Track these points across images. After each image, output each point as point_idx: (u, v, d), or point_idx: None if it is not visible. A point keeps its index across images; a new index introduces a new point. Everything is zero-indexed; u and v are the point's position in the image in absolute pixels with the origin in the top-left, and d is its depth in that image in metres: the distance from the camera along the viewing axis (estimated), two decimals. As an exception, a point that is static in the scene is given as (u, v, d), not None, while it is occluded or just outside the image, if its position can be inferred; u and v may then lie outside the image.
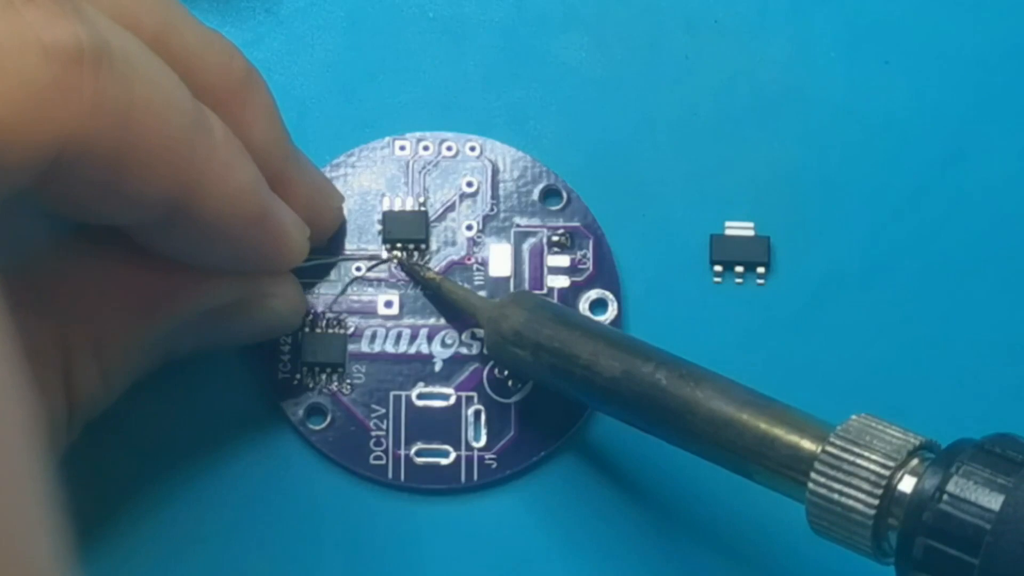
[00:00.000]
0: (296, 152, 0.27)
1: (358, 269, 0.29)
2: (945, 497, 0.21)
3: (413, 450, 0.28)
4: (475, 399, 0.29)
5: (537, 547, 0.28)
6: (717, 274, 0.30)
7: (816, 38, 0.31)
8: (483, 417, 0.28)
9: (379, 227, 0.29)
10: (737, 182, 0.30)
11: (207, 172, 0.23)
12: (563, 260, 0.29)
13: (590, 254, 0.29)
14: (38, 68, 0.20)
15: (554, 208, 0.30)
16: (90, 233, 0.25)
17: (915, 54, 0.31)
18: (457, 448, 0.28)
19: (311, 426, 0.28)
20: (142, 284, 0.25)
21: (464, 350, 0.29)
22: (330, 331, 0.29)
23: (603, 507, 0.28)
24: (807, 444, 0.23)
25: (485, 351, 0.28)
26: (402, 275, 0.29)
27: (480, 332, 0.29)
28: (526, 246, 0.29)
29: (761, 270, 0.30)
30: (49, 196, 0.22)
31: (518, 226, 0.29)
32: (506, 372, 0.29)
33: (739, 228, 0.30)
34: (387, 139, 0.30)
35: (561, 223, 0.29)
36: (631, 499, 0.28)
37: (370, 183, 0.29)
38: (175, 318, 0.26)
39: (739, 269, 0.29)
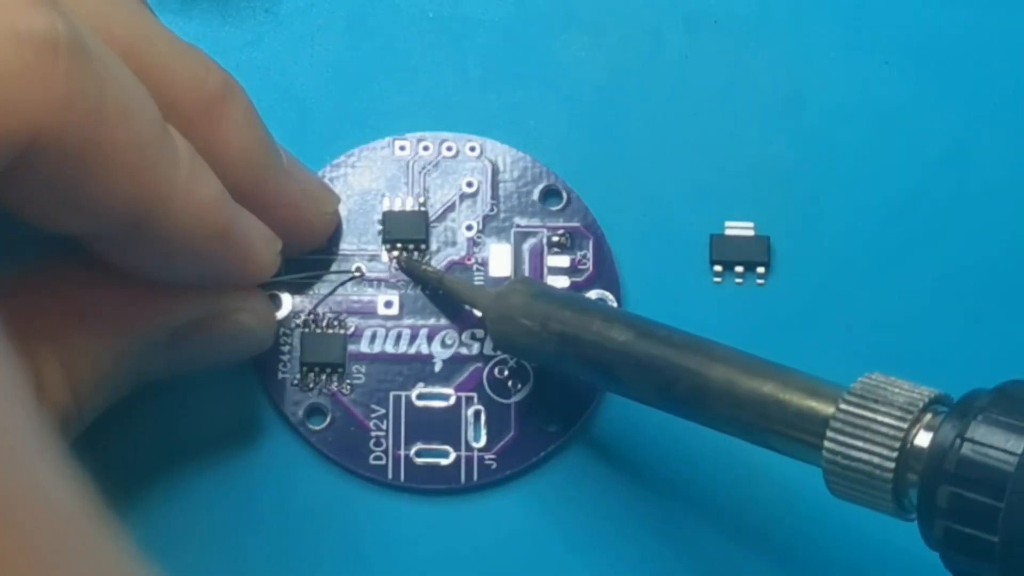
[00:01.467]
0: (280, 161, 0.27)
1: (358, 269, 0.29)
2: (967, 443, 0.21)
3: (413, 450, 0.28)
4: (475, 399, 0.29)
5: (537, 547, 0.28)
6: (717, 274, 0.30)
7: (816, 38, 0.31)
8: (483, 417, 0.28)
9: (379, 227, 0.29)
10: (737, 182, 0.30)
11: (171, 184, 0.23)
12: (563, 260, 0.29)
13: (590, 254, 0.29)
14: (11, 53, 0.20)
15: (554, 208, 0.30)
16: (55, 251, 0.24)
17: (915, 54, 0.31)
18: (457, 448, 0.28)
19: (311, 426, 0.28)
20: (109, 301, 0.25)
21: (464, 350, 0.29)
22: (330, 331, 0.29)
23: (603, 507, 0.28)
24: (821, 404, 0.23)
25: (487, 329, 0.28)
26: (403, 276, 0.29)
27: (480, 332, 0.29)
28: (526, 246, 0.29)
29: (761, 270, 0.30)
30: (12, 192, 0.22)
31: (518, 226, 0.29)
32: (506, 372, 0.29)
33: (739, 228, 0.30)
34: (387, 139, 0.30)
35: (561, 223, 0.29)
36: (631, 498, 0.28)
37: (370, 183, 0.29)
38: (144, 335, 0.25)
39: (739, 269, 0.29)
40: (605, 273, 0.29)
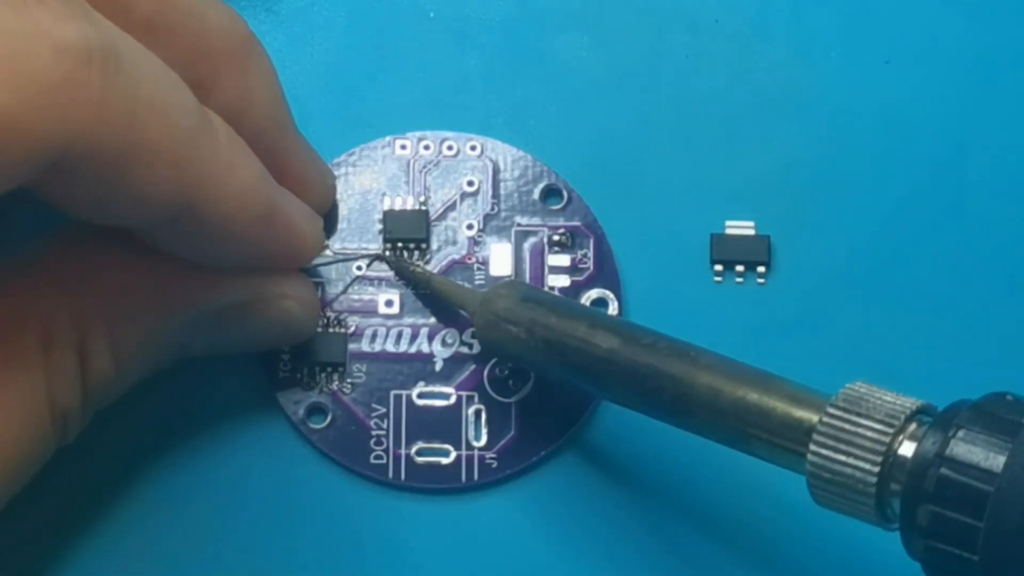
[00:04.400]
0: (293, 121, 0.27)
1: (359, 268, 0.29)
2: (946, 462, 0.21)
3: (413, 450, 0.28)
4: (475, 399, 0.29)
5: (537, 547, 0.28)
6: (717, 273, 0.30)
7: (816, 38, 0.31)
8: (483, 417, 0.28)
9: (380, 226, 0.29)
10: (737, 181, 0.30)
11: (211, 173, 0.23)
12: (564, 259, 0.29)
13: (591, 253, 0.29)
14: (49, 65, 0.20)
15: (555, 207, 0.30)
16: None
17: (915, 54, 0.31)
18: (457, 448, 0.28)
19: (311, 425, 0.28)
20: (159, 274, 0.25)
21: (465, 350, 0.29)
22: (331, 330, 0.29)
23: (603, 507, 0.28)
24: (805, 414, 0.23)
25: (475, 335, 0.28)
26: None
27: (481, 332, 0.29)
28: (527, 245, 0.29)
29: (762, 269, 0.30)
30: (53, 193, 0.22)
31: (519, 225, 0.29)
32: (506, 371, 0.29)
33: (739, 227, 0.30)
34: (388, 138, 0.30)
35: (562, 222, 0.29)
36: (631, 499, 0.28)
37: (371, 182, 0.29)
38: (189, 312, 0.26)
39: (740, 268, 0.29)
40: (606, 272, 0.29)
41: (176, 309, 0.26)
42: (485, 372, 0.29)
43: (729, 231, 0.30)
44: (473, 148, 0.30)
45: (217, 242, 0.25)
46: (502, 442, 0.28)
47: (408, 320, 0.29)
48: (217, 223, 0.24)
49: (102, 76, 0.21)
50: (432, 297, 0.29)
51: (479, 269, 0.29)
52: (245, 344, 0.27)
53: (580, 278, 0.29)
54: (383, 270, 0.29)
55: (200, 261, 0.25)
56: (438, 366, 0.29)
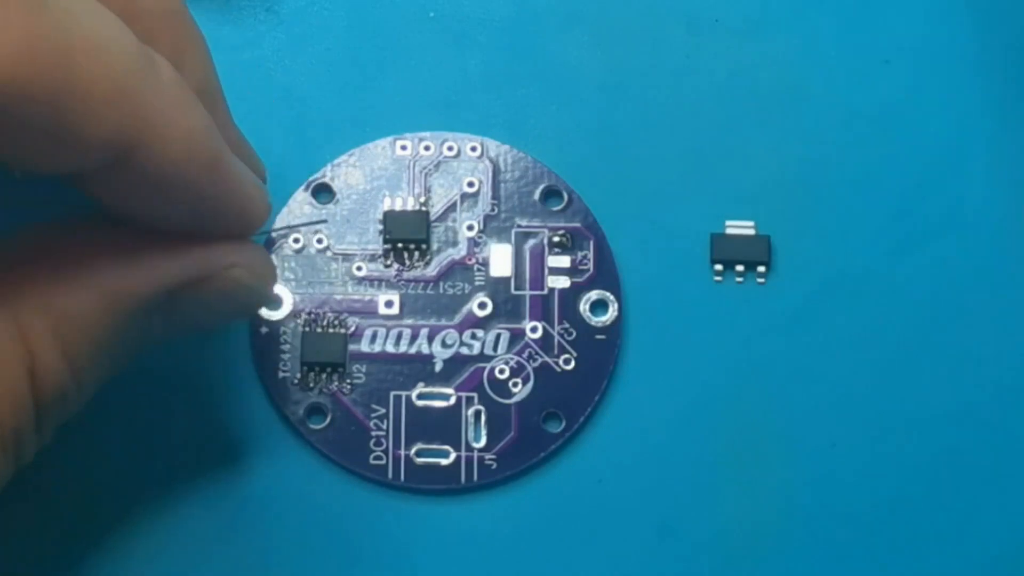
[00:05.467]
0: (227, 107, 0.27)
1: (358, 269, 0.29)
2: None
3: (413, 450, 0.28)
4: (475, 399, 0.29)
5: (537, 548, 0.28)
6: (718, 273, 0.30)
7: (816, 38, 0.31)
8: (483, 417, 0.28)
9: (380, 227, 0.29)
10: (737, 181, 0.30)
11: (155, 114, 0.23)
12: (564, 260, 0.29)
13: (591, 254, 0.29)
14: None
15: (555, 208, 0.30)
16: (41, 218, 0.24)
17: (915, 54, 0.31)
18: (457, 448, 0.28)
19: (311, 426, 0.28)
20: (100, 265, 0.24)
21: (464, 350, 0.29)
22: (330, 331, 0.29)
23: (603, 508, 0.28)
24: None
25: None
26: (404, 276, 0.29)
27: (480, 332, 0.29)
28: (527, 246, 0.29)
29: (762, 269, 0.30)
30: None
31: (519, 226, 0.29)
32: (506, 372, 0.29)
33: (740, 227, 0.30)
34: (388, 139, 0.30)
35: (562, 223, 0.29)
36: (631, 500, 0.29)
37: (371, 183, 0.29)
38: (138, 297, 0.24)
39: (740, 268, 0.29)
40: (606, 273, 0.29)
41: (124, 296, 0.24)
42: (485, 373, 0.29)
43: (729, 231, 0.30)
44: (473, 149, 0.30)
45: (162, 191, 0.23)
46: (501, 443, 0.28)
47: (408, 321, 0.29)
48: (161, 168, 0.23)
49: (24, 17, 0.20)
50: (434, 297, 0.29)
51: (479, 270, 0.29)
52: (201, 322, 0.26)
53: (580, 279, 0.29)
54: (383, 271, 0.29)
55: (144, 216, 0.24)
56: (438, 367, 0.29)
